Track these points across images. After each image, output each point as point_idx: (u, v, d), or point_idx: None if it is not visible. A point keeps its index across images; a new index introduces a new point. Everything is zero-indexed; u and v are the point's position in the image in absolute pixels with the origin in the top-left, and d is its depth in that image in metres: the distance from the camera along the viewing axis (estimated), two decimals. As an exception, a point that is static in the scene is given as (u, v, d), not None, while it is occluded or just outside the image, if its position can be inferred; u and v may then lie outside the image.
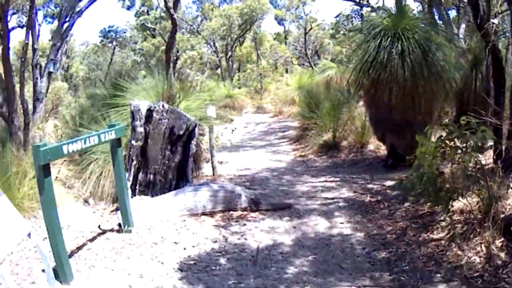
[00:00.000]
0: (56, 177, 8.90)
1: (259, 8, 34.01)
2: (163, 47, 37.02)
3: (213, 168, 11.09)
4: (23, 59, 13.17)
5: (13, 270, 5.82)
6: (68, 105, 24.50)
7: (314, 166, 11.63)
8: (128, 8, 43.16)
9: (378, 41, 9.63)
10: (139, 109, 8.08)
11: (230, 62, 37.72)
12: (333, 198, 8.24)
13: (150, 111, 8.04)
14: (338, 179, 9.76)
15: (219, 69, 40.42)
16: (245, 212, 7.73)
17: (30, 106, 17.66)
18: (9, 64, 11.79)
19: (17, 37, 29.28)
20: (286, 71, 38.89)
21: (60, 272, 5.35)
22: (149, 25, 40.93)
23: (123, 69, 12.62)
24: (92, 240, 6.79)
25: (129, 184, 8.10)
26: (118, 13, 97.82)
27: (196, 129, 8.76)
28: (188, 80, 32.33)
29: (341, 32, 35.25)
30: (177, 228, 7.09)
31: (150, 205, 7.77)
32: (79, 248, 6.45)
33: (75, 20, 18.11)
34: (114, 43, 50.24)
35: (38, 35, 24.41)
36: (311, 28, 36.60)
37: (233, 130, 13.48)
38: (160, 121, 8.05)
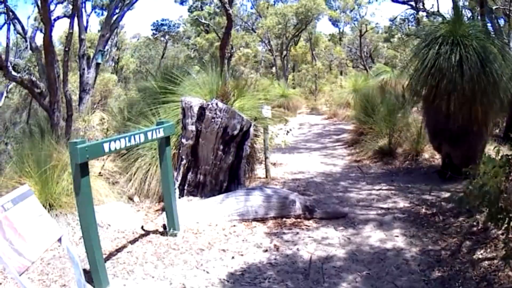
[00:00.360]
0: (100, 173, 8.81)
1: (315, 8, 33.69)
2: (217, 43, 37.49)
3: (267, 170, 10.94)
4: (66, 49, 13.08)
5: (44, 270, 5.68)
6: (117, 98, 24.63)
7: (369, 173, 11.31)
8: (181, 2, 43.37)
9: (437, 47, 9.32)
10: (191, 106, 7.90)
11: (285, 62, 37.45)
12: (388, 208, 7.98)
13: (202, 109, 7.85)
14: (393, 187, 9.49)
15: (273, 68, 40.20)
16: (299, 220, 7.45)
17: (76, 97, 17.71)
18: (51, 54, 11.67)
19: (63, 27, 29.52)
20: (341, 73, 38.57)
21: (94, 278, 5.13)
22: (203, 20, 41.01)
23: (176, 64, 12.41)
24: (133, 242, 6.65)
25: (177, 184, 7.99)
26: (170, 7, 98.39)
27: (251, 129, 8.49)
28: (242, 78, 32.56)
29: (396, 36, 34.81)
30: (226, 234, 6.88)
31: (198, 207, 7.59)
32: (118, 251, 6.30)
33: (125, 12, 18.11)
34: (167, 37, 50.55)
35: (86, 26, 24.62)
36: (366, 31, 36.17)
37: (288, 131, 13.03)
38: (213, 120, 7.81)
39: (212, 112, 7.76)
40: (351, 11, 39.93)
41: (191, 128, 7.89)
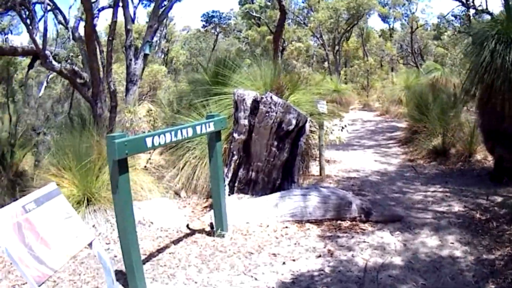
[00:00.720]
0: (145, 167, 8.65)
1: (366, 3, 33.28)
2: (269, 37, 37.58)
3: (321, 168, 10.85)
4: (110, 39, 12.77)
5: (76, 270, 5.45)
6: (166, 89, 24.71)
7: (423, 173, 11.11)
8: (232, -5, 43.21)
9: (493, 45, 9.09)
10: (244, 99, 7.55)
11: (337, 56, 37.12)
12: (443, 212, 7.80)
13: (256, 102, 7.50)
14: (447, 189, 9.30)
15: (325, 63, 39.84)
16: (354, 222, 7.19)
17: (123, 88, 17.75)
18: (93, 44, 11.64)
19: (109, 18, 29.73)
20: (392, 70, 38.07)
21: (130, 282, 4.78)
22: (254, 13, 40.78)
23: (227, 56, 12.18)
24: (176, 242, 6.37)
25: (227, 180, 7.73)
26: (221, 1, 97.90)
27: (307, 125, 8.15)
28: (295, 72, 32.41)
29: (445, 34, 34.12)
30: (277, 236, 6.55)
31: (249, 206, 7.29)
32: (159, 251, 6.04)
33: (173, 3, 17.88)
34: (218, 29, 50.35)
35: (134, 17, 24.62)
36: (417, 27, 35.58)
37: (343, 128, 12.82)
38: (267, 114, 7.40)
39: (266, 106, 7.40)
40: (402, 6, 39.35)
41: (244, 122, 7.57)
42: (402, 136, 15.95)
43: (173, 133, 5.28)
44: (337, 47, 36.79)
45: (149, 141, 4.91)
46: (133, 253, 4.74)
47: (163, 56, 41.25)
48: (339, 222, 7.23)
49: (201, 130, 5.87)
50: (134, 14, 25.27)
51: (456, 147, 12.15)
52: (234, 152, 7.79)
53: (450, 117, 13.09)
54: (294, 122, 7.62)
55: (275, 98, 7.51)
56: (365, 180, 10.65)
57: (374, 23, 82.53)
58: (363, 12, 34.01)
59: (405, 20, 39.49)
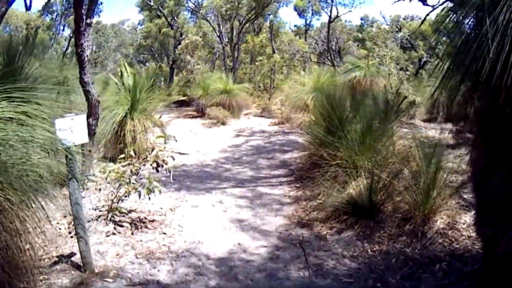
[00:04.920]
0: None
1: None
2: (166, 29, 32.00)
3: (82, 257, 4.89)
4: None
5: None
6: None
7: (326, 269, 5.09)
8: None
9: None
10: None
11: (236, 51, 30.28)
12: None
13: None
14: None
15: (228, 60, 33.22)
16: None
17: None
18: None
19: None
20: (304, 70, 31.96)
21: None
22: (152, 2, 34.59)
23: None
24: None
25: None
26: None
27: None
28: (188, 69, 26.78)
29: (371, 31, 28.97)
30: None
31: None
32: None
33: None
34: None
35: None
36: (337, 16, 29.47)
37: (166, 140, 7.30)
38: None
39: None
40: (321, 0, 32.96)
41: None
42: (299, 163, 9.73)
43: None
44: (235, 40, 30.07)
45: None
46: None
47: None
48: None
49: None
50: None
51: (395, 202, 6.19)
52: None
53: (382, 140, 7.25)
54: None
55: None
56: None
57: (289, 17, 76.65)
58: (270, -2, 27.25)
59: (324, 11, 33.23)
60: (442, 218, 5.66)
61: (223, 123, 16.94)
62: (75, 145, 4.52)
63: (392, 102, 9.51)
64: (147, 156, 6.14)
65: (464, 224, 5.59)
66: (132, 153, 6.15)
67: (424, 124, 15.39)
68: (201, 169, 9.82)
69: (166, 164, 6.17)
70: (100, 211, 6.28)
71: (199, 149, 12.09)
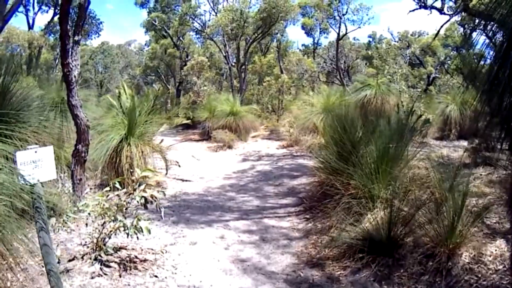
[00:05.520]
0: None
1: (281, 5, 25.33)
2: (171, 50, 31.31)
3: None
4: None
5: None
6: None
7: None
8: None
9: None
10: None
11: (242, 72, 29.38)
12: None
13: None
14: None
15: (235, 80, 32.45)
16: None
17: None
18: None
19: None
20: (313, 90, 31.18)
21: None
22: (156, 23, 34.16)
23: None
24: None
25: None
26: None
27: None
28: (193, 90, 26.21)
29: (380, 49, 28.29)
30: None
31: None
32: None
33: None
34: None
35: None
36: (345, 34, 28.87)
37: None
38: None
39: None
40: (329, 5, 31.87)
41: None
42: (308, 190, 9.01)
43: None
44: (242, 60, 29.27)
45: None
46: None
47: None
48: None
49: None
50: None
51: (417, 236, 5.43)
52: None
53: (399, 165, 6.62)
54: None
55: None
56: None
57: (297, 36, 76.32)
58: (278, 17, 26.34)
59: (331, 28, 32.52)
60: (467, 251, 4.94)
61: (230, 147, 16.33)
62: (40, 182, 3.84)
63: (406, 121, 8.76)
64: (133, 191, 5.37)
65: (490, 256, 4.88)
66: (117, 185, 5.42)
67: (436, 142, 14.69)
68: (203, 198, 9.08)
69: (156, 200, 5.40)
70: (88, 247, 5.57)
71: (202, 175, 11.38)
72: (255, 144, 17.41)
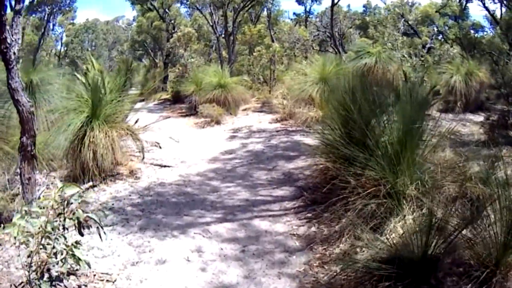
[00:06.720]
0: None
1: None
2: (157, 22, 29.83)
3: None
4: None
5: None
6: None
7: None
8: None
9: None
10: None
11: (230, 41, 28.02)
12: None
13: None
14: None
15: (225, 52, 30.99)
16: None
17: None
18: None
19: None
20: (306, 59, 29.80)
21: None
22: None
23: None
24: None
25: None
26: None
27: None
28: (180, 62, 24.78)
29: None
30: None
31: None
32: None
33: None
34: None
35: None
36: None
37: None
38: None
39: None
40: None
41: None
42: (308, 176, 7.48)
43: None
44: (230, 29, 27.72)
45: None
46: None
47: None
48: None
49: None
50: None
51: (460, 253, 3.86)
52: None
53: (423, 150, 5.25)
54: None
55: None
56: None
57: (289, 6, 75.77)
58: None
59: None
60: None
61: (218, 122, 14.82)
62: None
63: (428, 93, 7.27)
64: (62, 212, 3.71)
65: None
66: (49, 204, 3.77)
67: (442, 115, 13.30)
68: (181, 190, 7.46)
69: (95, 222, 3.79)
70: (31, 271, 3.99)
71: (184, 158, 9.82)
72: (245, 119, 15.85)
